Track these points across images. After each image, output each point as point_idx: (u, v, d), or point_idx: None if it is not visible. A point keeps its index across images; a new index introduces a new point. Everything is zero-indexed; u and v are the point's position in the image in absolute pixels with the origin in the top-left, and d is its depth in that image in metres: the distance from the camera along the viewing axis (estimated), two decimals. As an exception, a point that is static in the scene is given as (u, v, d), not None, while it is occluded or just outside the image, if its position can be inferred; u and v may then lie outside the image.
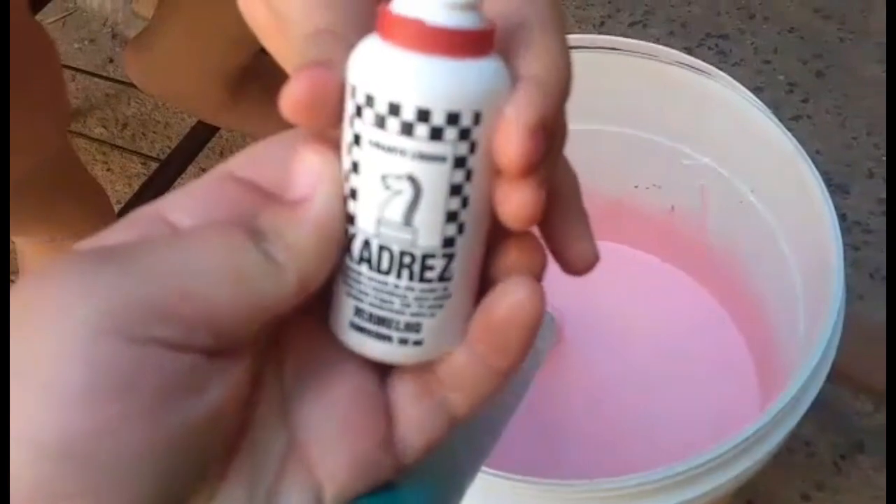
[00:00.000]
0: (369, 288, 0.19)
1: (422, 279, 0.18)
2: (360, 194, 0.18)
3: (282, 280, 0.17)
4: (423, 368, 0.20)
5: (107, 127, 1.03)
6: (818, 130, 0.89)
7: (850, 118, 0.90)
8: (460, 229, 0.18)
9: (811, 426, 0.71)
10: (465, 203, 0.18)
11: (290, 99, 0.17)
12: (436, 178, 0.18)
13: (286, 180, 0.18)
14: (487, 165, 0.18)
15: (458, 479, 0.25)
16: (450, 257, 0.19)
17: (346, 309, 0.19)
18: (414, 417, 0.20)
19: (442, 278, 0.19)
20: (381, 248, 0.18)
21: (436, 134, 0.17)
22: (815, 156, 0.50)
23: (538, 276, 0.19)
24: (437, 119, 0.17)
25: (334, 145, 0.18)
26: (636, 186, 0.67)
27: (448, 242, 0.18)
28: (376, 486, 0.20)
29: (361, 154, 0.18)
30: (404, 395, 0.20)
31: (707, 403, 0.63)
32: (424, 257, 0.18)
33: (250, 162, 0.19)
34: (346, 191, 0.18)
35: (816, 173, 0.50)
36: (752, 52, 0.97)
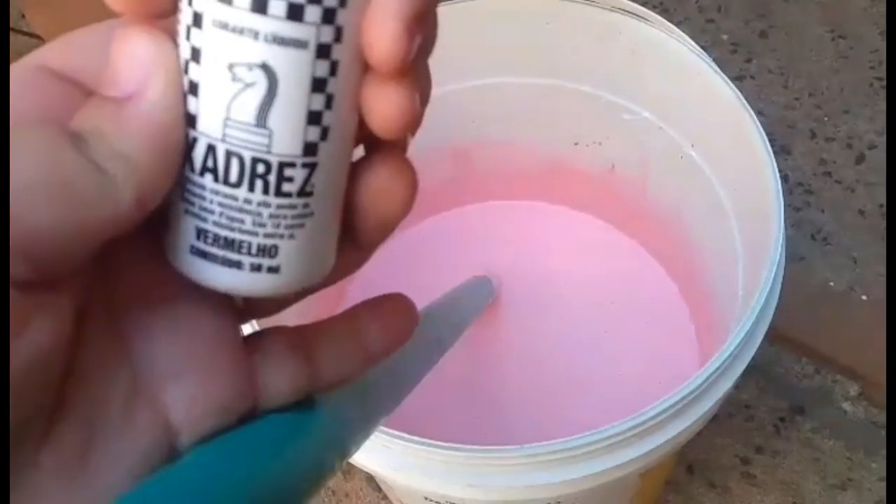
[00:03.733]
0: (214, 204, 0.15)
1: (278, 192, 0.15)
2: (203, 89, 0.15)
3: (115, 196, 0.14)
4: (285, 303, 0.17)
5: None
6: (761, 91, 0.88)
7: (793, 79, 0.89)
8: (324, 134, 0.15)
9: (751, 389, 0.70)
10: (329, 102, 0.15)
11: None
12: (295, 69, 0.15)
13: (110, 72, 0.15)
14: (355, 59, 0.15)
15: (377, 405, 0.23)
16: (311, 167, 0.15)
17: (185, 231, 0.16)
18: (274, 360, 0.17)
19: (302, 192, 0.16)
20: (230, 154, 0.15)
21: (294, 12, 0.14)
22: (759, 116, 0.48)
23: (409, 201, 0.17)
24: None
25: (168, 31, 0.15)
26: (576, 144, 0.65)
27: (309, 149, 0.15)
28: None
29: (203, 38, 0.15)
30: (269, 346, 0.17)
31: (647, 364, 0.62)
32: (281, 166, 0.15)
33: (68, 52, 0.16)
34: (185, 85, 0.15)
35: (759, 126, 0.48)
36: (696, 11, 0.95)
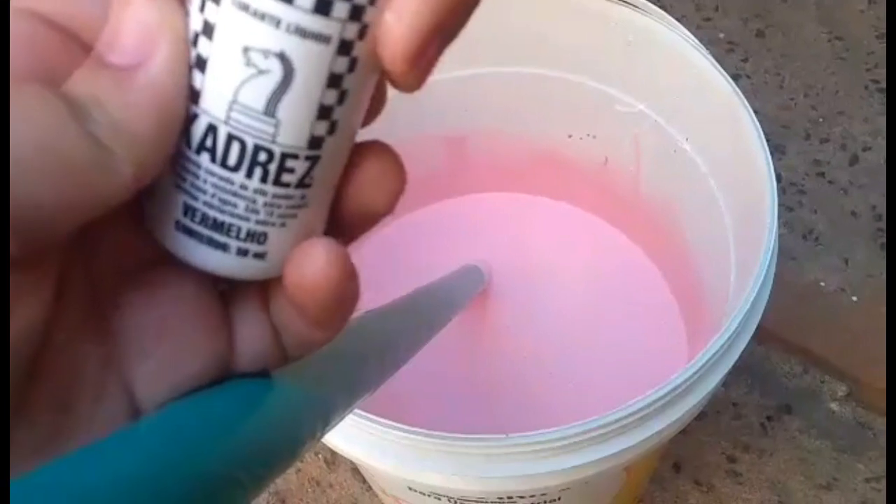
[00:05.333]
0: (208, 184, 0.15)
1: (277, 182, 0.15)
2: (211, 66, 0.14)
3: (113, 172, 0.13)
4: (261, 288, 0.16)
5: None
6: (757, 90, 0.88)
7: (789, 79, 0.88)
8: (331, 129, 0.15)
9: (739, 388, 0.70)
10: (342, 98, 0.15)
11: None
12: (313, 62, 0.14)
13: (112, 35, 0.14)
14: (373, 55, 0.14)
15: (361, 380, 0.22)
16: (314, 160, 0.15)
17: (172, 204, 0.15)
18: (249, 343, 0.16)
19: (301, 184, 0.15)
20: (231, 137, 0.14)
21: (322, 6, 0.14)
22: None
23: (396, 196, 0.16)
24: None
25: None
26: (570, 136, 0.64)
27: (315, 143, 0.15)
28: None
29: (219, 14, 0.14)
30: (242, 314, 0.16)
31: (635, 358, 0.61)
32: (284, 156, 0.15)
33: (66, 3, 0.15)
34: (192, 58, 0.14)
35: (756, 122, 0.47)
36: (693, 9, 0.94)
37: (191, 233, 0.15)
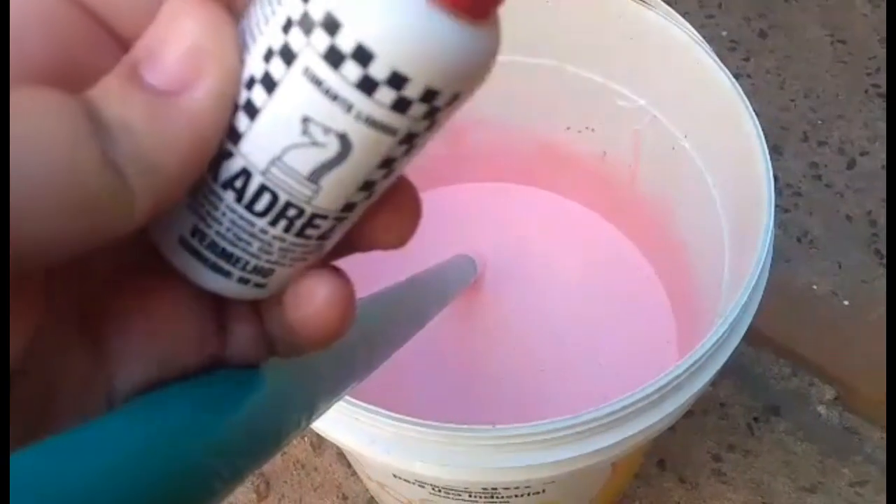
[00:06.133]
0: (226, 218, 0.14)
1: (300, 234, 0.14)
2: (263, 119, 0.13)
3: (129, 206, 0.12)
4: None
5: None
6: (757, 90, 0.87)
7: (790, 80, 0.88)
8: (369, 196, 0.14)
9: (728, 388, 0.70)
10: (388, 174, 0.14)
11: None
12: (373, 148, 0.13)
13: (155, 46, 0.12)
14: (424, 146, 0.14)
15: (349, 369, 0.22)
16: (342, 220, 0.14)
17: (180, 221, 0.14)
18: (241, 339, 0.16)
19: (321, 237, 0.15)
20: (264, 188, 0.13)
21: (401, 105, 0.13)
22: (753, 115, 0.47)
23: (408, 236, 0.16)
24: (412, 91, 0.13)
25: (236, 14, 0.13)
26: (568, 128, 0.64)
27: (349, 208, 0.14)
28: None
29: (286, 76, 0.13)
30: (237, 310, 0.16)
31: (626, 353, 0.61)
32: (314, 216, 0.14)
33: None
34: (241, 100, 0.13)
35: (756, 121, 0.47)
36: (696, 6, 0.94)
37: (195, 254, 0.15)
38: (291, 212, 0.14)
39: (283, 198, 0.14)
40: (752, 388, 0.70)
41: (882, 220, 0.77)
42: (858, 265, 0.75)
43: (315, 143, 0.13)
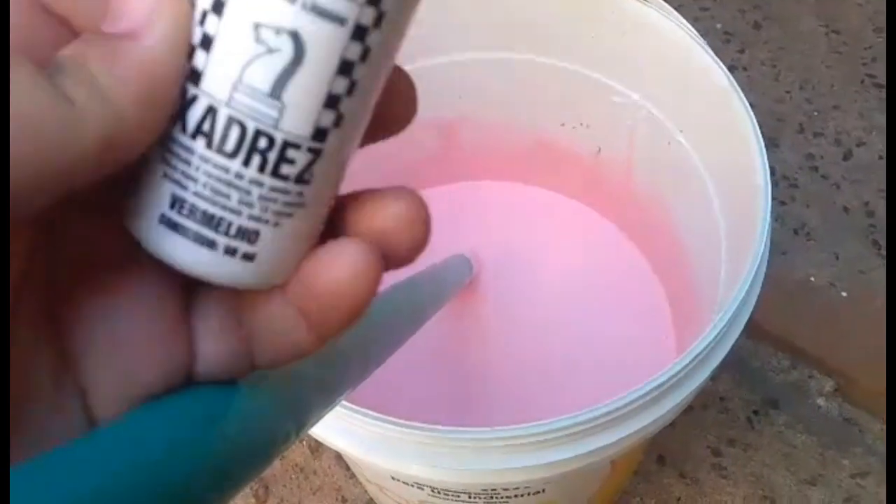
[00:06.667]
0: (200, 172, 0.14)
1: (275, 173, 0.14)
2: (218, 44, 0.13)
3: (77, 131, 0.12)
4: (233, 295, 0.15)
5: None
6: (752, 82, 0.87)
7: (785, 72, 0.88)
8: (337, 121, 0.14)
9: (726, 382, 0.70)
10: (350, 90, 0.14)
11: None
12: (326, 45, 0.13)
13: (110, 10, 0.13)
14: (386, 53, 0.14)
15: (342, 376, 0.21)
16: (316, 154, 0.14)
17: (158, 196, 0.14)
18: (212, 354, 0.15)
19: (300, 179, 0.14)
20: (231, 120, 0.14)
21: None
22: (748, 108, 0.47)
23: (420, 249, 0.16)
24: None
25: None
26: (563, 124, 0.63)
27: (319, 135, 0.14)
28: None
29: None
30: (206, 323, 0.15)
31: (623, 351, 0.61)
32: (286, 145, 0.14)
33: None
34: (196, 37, 0.13)
35: (752, 115, 0.47)
36: (690, -2, 0.94)
37: (176, 227, 0.14)
38: (262, 142, 0.14)
39: (250, 126, 0.14)
40: (750, 382, 0.70)
41: (879, 211, 0.77)
42: (856, 256, 0.75)
43: (270, 50, 0.13)
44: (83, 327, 0.15)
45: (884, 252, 0.74)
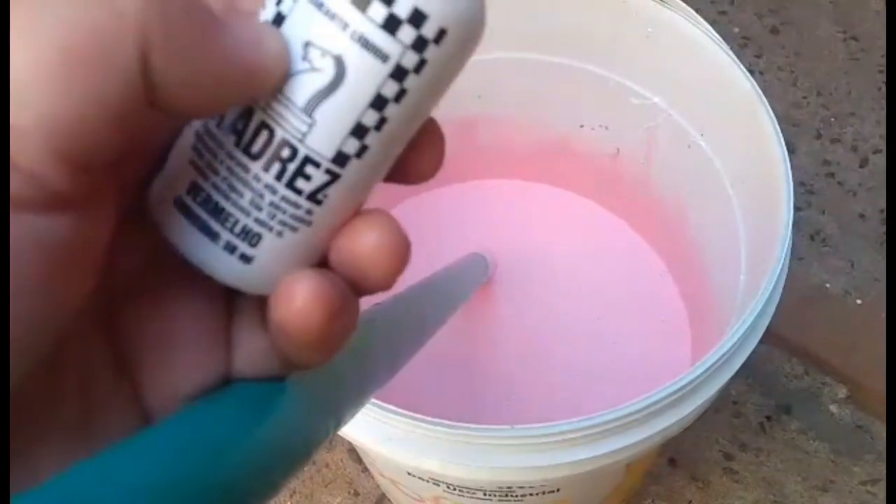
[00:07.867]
0: (224, 166, 0.15)
1: (290, 185, 0.15)
2: None
3: (136, 60, 0.12)
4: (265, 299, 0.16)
5: None
6: (769, 87, 0.87)
7: (802, 77, 0.88)
8: (360, 152, 0.15)
9: (739, 386, 0.70)
10: (379, 125, 0.15)
11: None
12: (365, 76, 0.14)
13: None
14: (421, 101, 0.15)
15: (372, 375, 0.22)
16: (333, 177, 0.15)
17: (179, 180, 0.15)
18: (247, 353, 0.16)
19: (312, 197, 0.15)
20: (263, 125, 0.15)
21: (391, 24, 0.14)
22: (766, 112, 0.47)
23: (395, 276, 0.16)
24: (401, 9, 0.14)
25: None
26: (582, 126, 0.64)
27: (340, 159, 0.15)
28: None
29: (293, 7, 0.14)
30: (242, 323, 0.16)
31: (639, 353, 0.61)
32: (306, 160, 0.15)
33: None
34: None
35: (774, 119, 0.47)
36: (708, 2, 0.94)
37: (188, 212, 0.15)
38: (285, 151, 0.15)
39: (278, 134, 0.15)
40: (764, 387, 0.70)
41: None
42: (871, 263, 0.75)
43: (313, 69, 0.14)
44: (139, 333, 0.15)
45: (886, 257, 0.74)
